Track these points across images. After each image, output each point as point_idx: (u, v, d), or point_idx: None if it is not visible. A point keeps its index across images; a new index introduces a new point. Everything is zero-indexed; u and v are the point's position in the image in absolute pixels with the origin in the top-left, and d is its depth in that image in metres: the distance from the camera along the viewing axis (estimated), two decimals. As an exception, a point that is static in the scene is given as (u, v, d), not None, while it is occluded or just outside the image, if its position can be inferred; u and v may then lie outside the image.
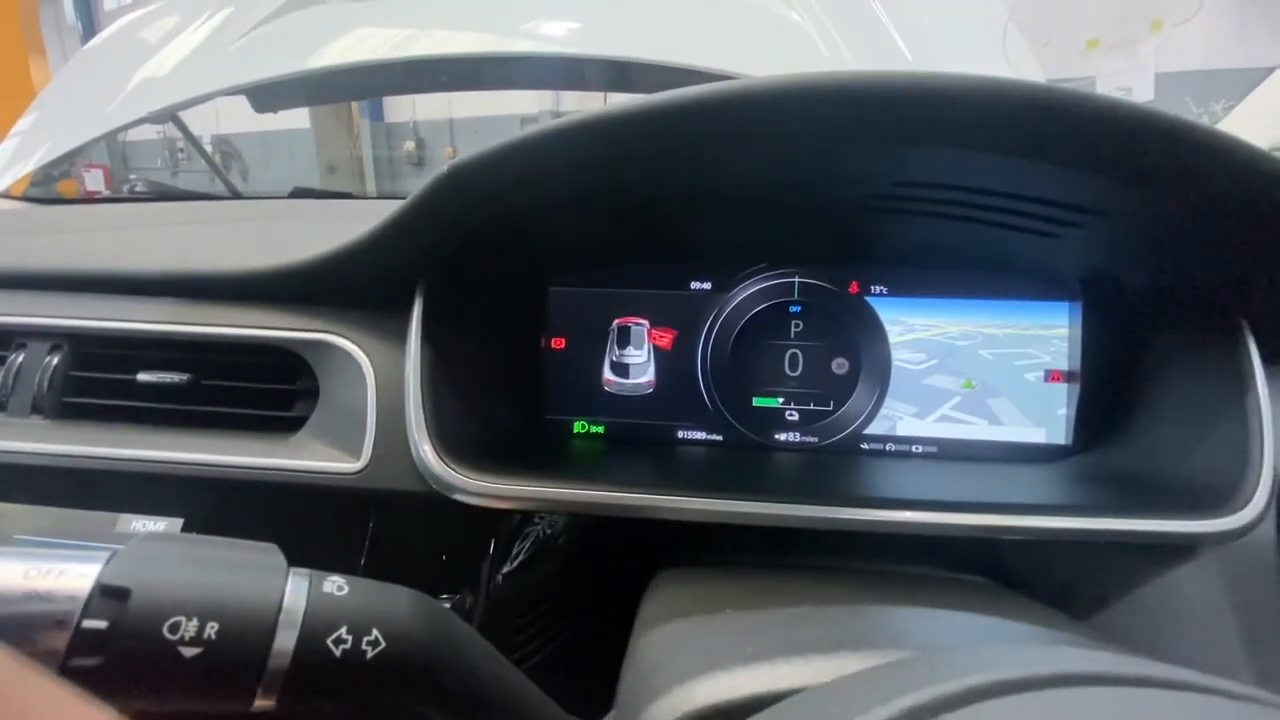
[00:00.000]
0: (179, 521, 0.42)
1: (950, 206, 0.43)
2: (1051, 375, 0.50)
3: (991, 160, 0.35)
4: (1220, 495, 0.37)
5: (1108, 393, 0.48)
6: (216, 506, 0.43)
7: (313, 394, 0.45)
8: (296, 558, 0.24)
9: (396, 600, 0.23)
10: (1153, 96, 2.40)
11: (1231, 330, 0.40)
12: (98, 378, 0.47)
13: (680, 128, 0.35)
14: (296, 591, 0.21)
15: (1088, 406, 0.49)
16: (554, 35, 1.10)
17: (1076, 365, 0.49)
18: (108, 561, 0.21)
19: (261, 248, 0.52)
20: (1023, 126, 0.33)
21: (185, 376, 0.45)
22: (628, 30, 1.07)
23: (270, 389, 0.46)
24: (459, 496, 0.38)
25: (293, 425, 0.45)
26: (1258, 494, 0.36)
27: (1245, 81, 0.67)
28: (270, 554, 0.23)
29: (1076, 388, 0.49)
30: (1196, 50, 3.08)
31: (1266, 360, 0.39)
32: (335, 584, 0.22)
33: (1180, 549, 0.40)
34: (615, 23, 1.10)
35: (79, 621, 0.19)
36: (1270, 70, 0.65)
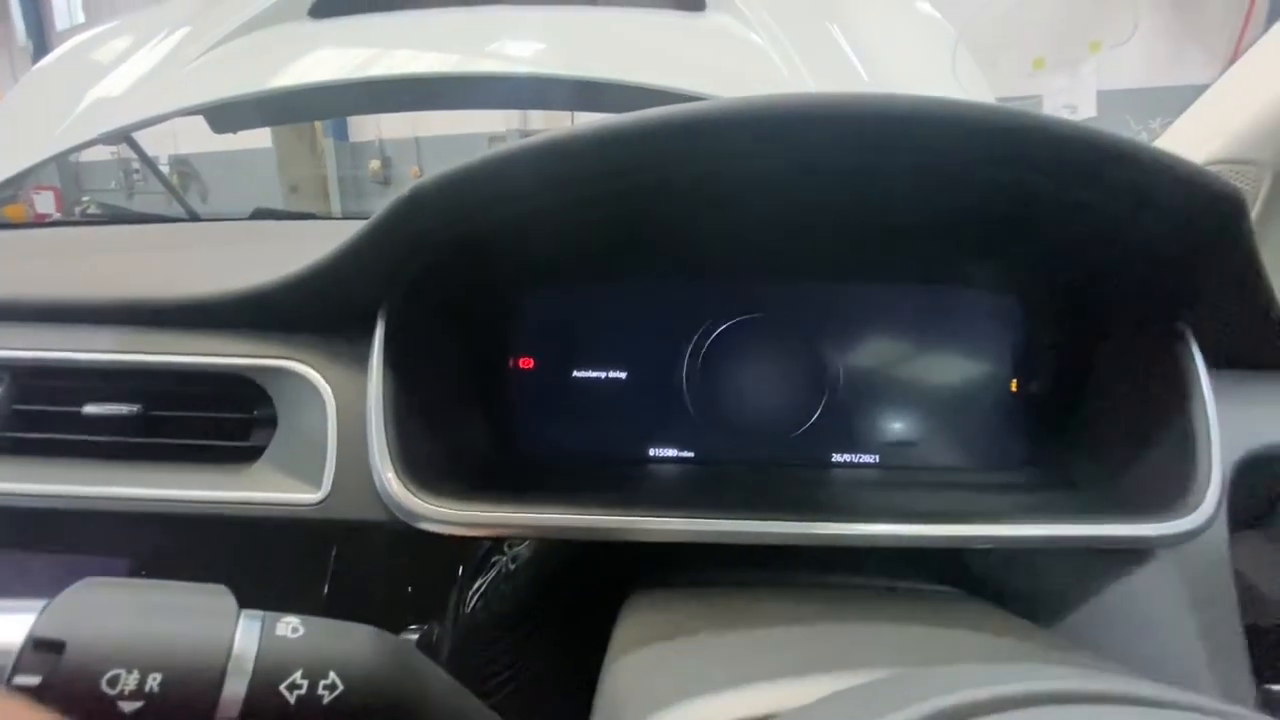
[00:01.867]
0: (124, 564, 0.40)
1: (906, 222, 0.44)
2: (1008, 384, 0.51)
3: (942, 179, 0.36)
4: (1171, 499, 0.38)
5: (1062, 401, 0.49)
6: (168, 545, 0.41)
7: (271, 423, 0.43)
8: (253, 597, 0.23)
9: (355, 640, 0.22)
10: (1095, 113, 2.52)
11: (1175, 337, 0.42)
12: (41, 411, 0.45)
13: (644, 149, 0.35)
14: (248, 635, 0.21)
15: (1043, 414, 0.50)
16: (519, 55, 1.10)
17: (1031, 374, 0.51)
18: (41, 612, 0.19)
19: (219, 272, 0.51)
20: (974, 146, 0.34)
21: (135, 408, 0.43)
22: (592, 51, 1.08)
23: (226, 418, 0.44)
24: (425, 525, 0.38)
25: (250, 455, 0.43)
26: (1207, 497, 0.37)
27: (1181, 99, 0.70)
28: (219, 596, 0.22)
29: (1032, 396, 0.51)
30: (1136, 69, 3.25)
31: (1210, 365, 0.41)
32: (290, 625, 0.21)
33: (1136, 552, 0.41)
34: (580, 43, 1.11)
35: (9, 678, 0.18)
36: (1203, 88, 0.68)
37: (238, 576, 0.24)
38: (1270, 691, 0.44)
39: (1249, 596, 0.42)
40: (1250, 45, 0.65)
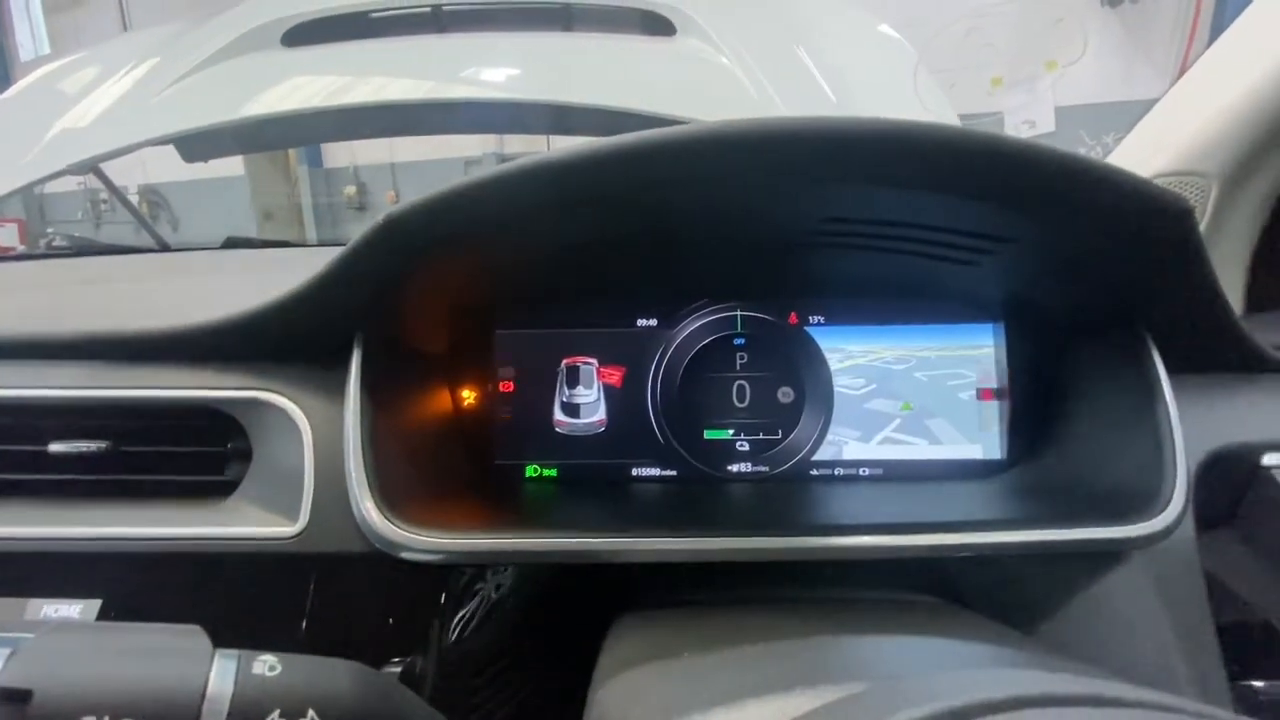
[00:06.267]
0: (96, 604, 0.39)
1: (877, 240, 0.45)
2: (983, 394, 0.52)
3: (908, 195, 0.37)
4: (1141, 501, 0.39)
5: (1035, 407, 0.51)
6: (141, 584, 0.40)
7: (245, 455, 0.43)
8: (230, 635, 0.22)
9: (334, 676, 0.22)
10: (1054, 128, 2.62)
11: (1137, 344, 0.44)
12: (5, 450, 0.43)
13: (619, 173, 0.36)
14: (223, 676, 0.20)
15: (1018, 421, 0.52)
16: (492, 81, 1.11)
17: (1004, 383, 0.52)
18: (8, 660, 0.19)
19: (189, 303, 0.50)
20: (935, 164, 0.35)
21: (103, 444, 0.42)
22: (565, 75, 1.10)
23: (199, 452, 0.43)
24: (406, 554, 0.37)
25: (224, 490, 0.42)
26: (1174, 498, 0.38)
27: (1132, 114, 0.73)
28: (193, 637, 0.21)
29: (1006, 404, 0.52)
30: (1089, 86, 3.38)
31: (1171, 370, 0.43)
32: (267, 664, 0.21)
33: (1109, 555, 0.42)
34: (553, 68, 1.13)
35: (-28, 731, 0.17)
36: (1153, 103, 0.71)
37: (214, 614, 0.24)
38: (1245, 688, 0.45)
39: (1220, 595, 0.43)
40: (1194, 61, 0.68)
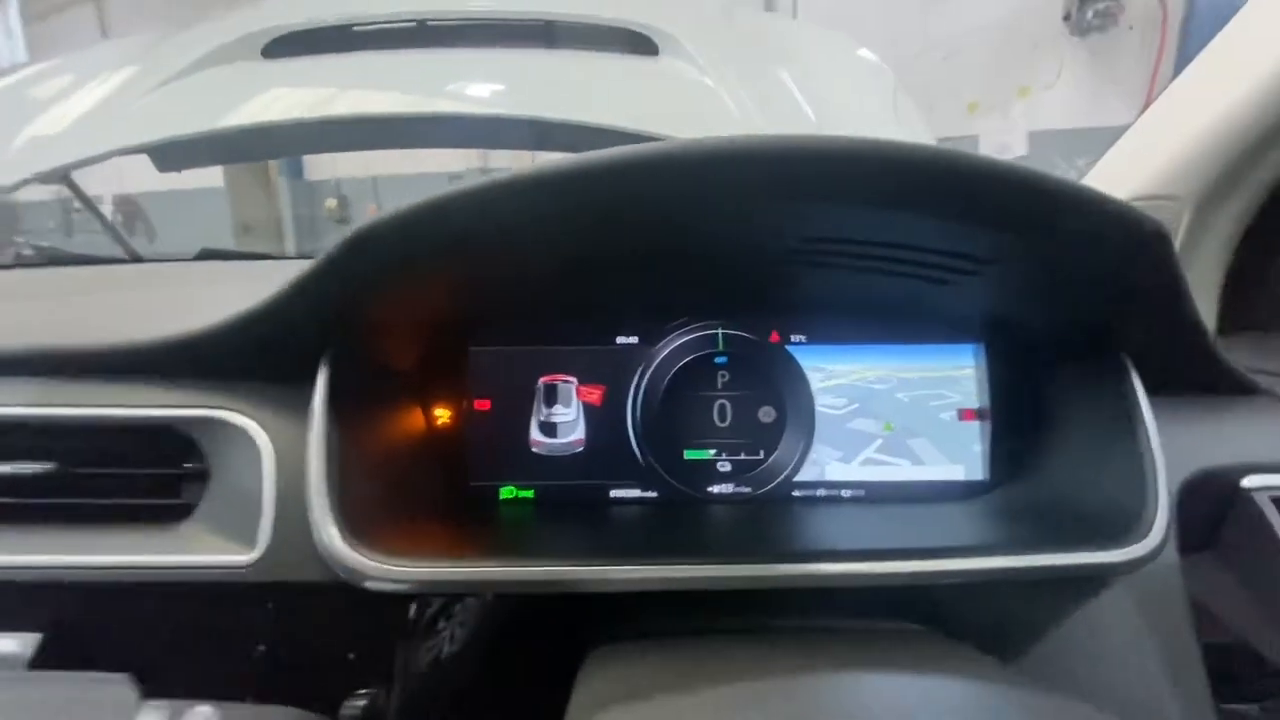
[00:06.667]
0: (35, 638, 0.36)
1: (858, 259, 0.45)
2: (964, 414, 0.52)
3: (888, 215, 0.37)
4: (1124, 525, 0.38)
5: (1017, 428, 0.50)
6: (85, 616, 0.38)
7: (203, 478, 0.41)
8: (179, 672, 0.20)
9: None
10: (1026, 152, 2.69)
11: (1117, 366, 0.44)
12: None
13: (599, 188, 0.35)
14: None
15: (1000, 442, 0.51)
16: (475, 96, 1.11)
17: (986, 403, 0.52)
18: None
19: (154, 316, 0.48)
20: (912, 183, 0.35)
21: (49, 466, 0.40)
22: (549, 92, 1.10)
23: (153, 475, 0.41)
24: (370, 584, 0.35)
25: (179, 514, 0.40)
26: (1157, 522, 0.38)
27: (1103, 139, 0.75)
28: (117, 687, 0.20)
29: (988, 425, 0.52)
30: (1060, 112, 3.48)
31: (1151, 392, 0.43)
32: (201, 716, 0.19)
33: (1093, 580, 0.41)
34: (536, 85, 1.13)
35: None
36: (1123, 129, 0.73)
37: (163, 649, 0.22)
38: (1231, 711, 0.44)
39: (1203, 618, 0.42)
40: (1161, 90, 0.70)
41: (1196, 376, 0.47)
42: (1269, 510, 0.42)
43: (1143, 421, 0.41)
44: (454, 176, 4.12)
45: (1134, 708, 0.38)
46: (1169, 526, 0.38)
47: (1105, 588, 0.41)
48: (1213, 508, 0.45)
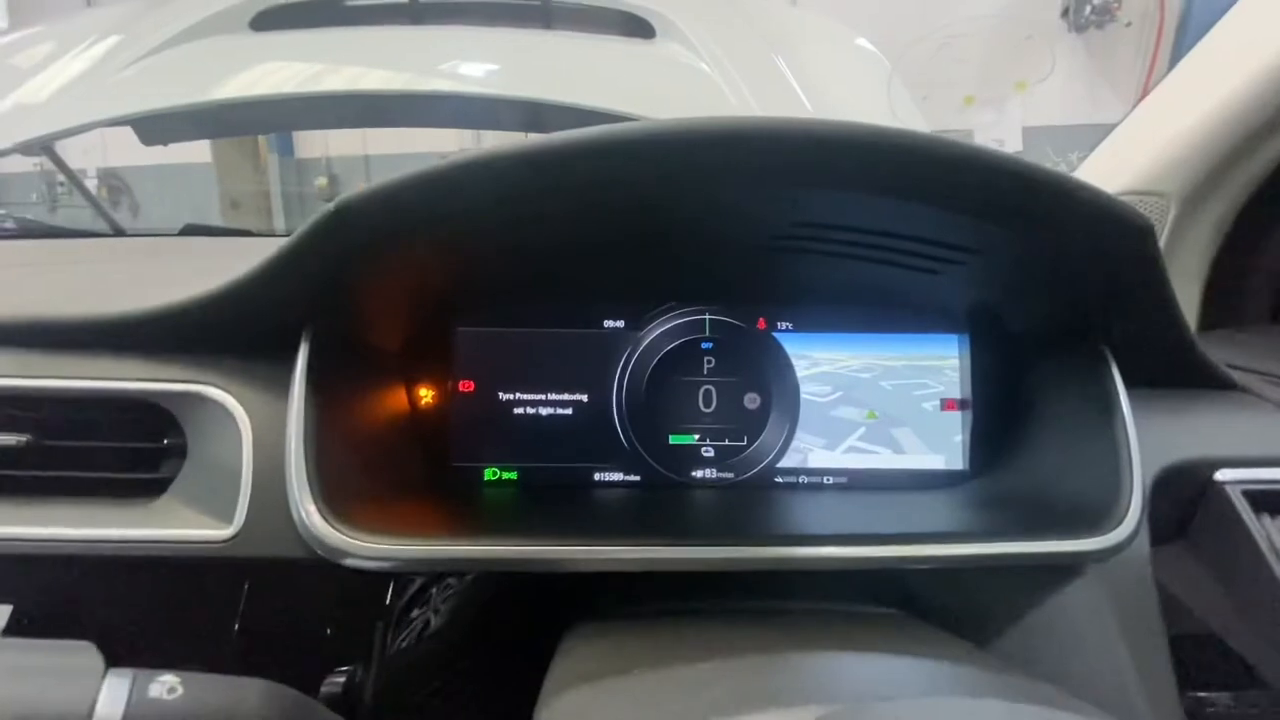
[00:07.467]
0: (6, 610, 0.36)
1: (846, 246, 0.45)
2: (946, 404, 0.53)
3: (876, 202, 0.37)
4: (1098, 515, 0.39)
5: (998, 419, 0.51)
6: (59, 589, 0.37)
7: (181, 453, 0.40)
8: (153, 647, 0.20)
9: (243, 697, 0.20)
10: (1021, 147, 2.69)
11: (1097, 358, 0.44)
12: None
13: (586, 166, 0.35)
14: (113, 698, 0.18)
15: (981, 433, 0.52)
16: (468, 75, 1.10)
17: (968, 394, 0.52)
18: None
19: (133, 290, 0.48)
20: (902, 169, 0.35)
21: (24, 438, 0.39)
22: (543, 73, 1.09)
23: (130, 448, 0.41)
24: (349, 561, 0.35)
25: (156, 489, 0.40)
26: (1130, 512, 0.39)
27: (1096, 136, 0.75)
28: (82, 654, 0.19)
29: (969, 415, 0.52)
30: (1055, 108, 3.48)
31: (1130, 385, 0.43)
32: (166, 685, 0.19)
33: (1066, 568, 0.42)
34: (530, 66, 1.11)
35: None
36: (1115, 126, 0.73)
37: (137, 623, 0.22)
38: (1196, 699, 0.45)
39: (1172, 608, 0.43)
40: (1155, 86, 0.70)
41: (1175, 371, 0.48)
42: (1240, 504, 0.43)
43: (1120, 413, 0.42)
44: (446, 156, 4.06)
45: (1101, 691, 0.39)
46: (1142, 517, 0.39)
47: (1078, 576, 0.42)
48: (1186, 500, 0.45)
